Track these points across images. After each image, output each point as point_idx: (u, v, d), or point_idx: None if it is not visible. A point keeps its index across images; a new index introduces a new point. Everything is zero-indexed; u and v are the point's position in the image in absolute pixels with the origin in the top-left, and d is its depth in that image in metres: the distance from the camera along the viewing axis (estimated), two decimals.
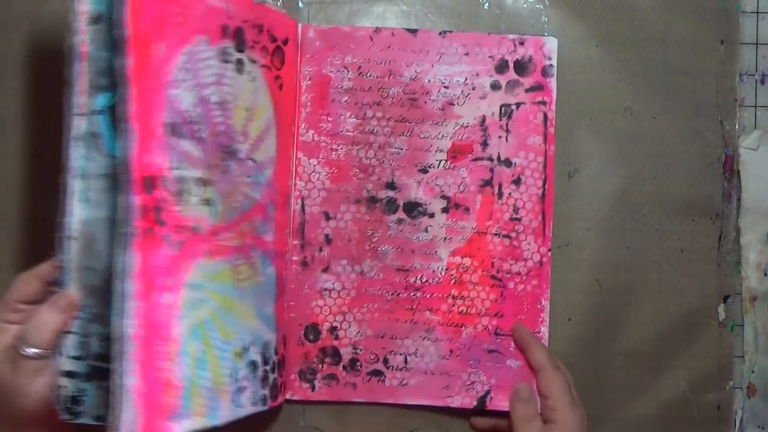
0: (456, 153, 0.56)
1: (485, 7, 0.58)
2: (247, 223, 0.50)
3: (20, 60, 0.56)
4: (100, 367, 0.45)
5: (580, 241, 0.58)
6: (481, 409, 0.55)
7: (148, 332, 0.43)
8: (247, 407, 0.50)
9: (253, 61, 0.51)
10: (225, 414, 0.47)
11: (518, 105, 0.56)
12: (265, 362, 0.52)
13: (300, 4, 0.57)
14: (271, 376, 0.52)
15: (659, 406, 0.58)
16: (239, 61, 0.50)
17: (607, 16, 0.58)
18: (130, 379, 0.42)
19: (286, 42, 0.54)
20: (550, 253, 0.56)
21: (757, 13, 0.59)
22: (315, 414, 0.57)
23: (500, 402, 0.55)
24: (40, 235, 0.55)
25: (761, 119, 0.59)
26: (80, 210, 0.45)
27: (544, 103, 0.56)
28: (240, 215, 0.50)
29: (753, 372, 0.58)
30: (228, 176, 0.49)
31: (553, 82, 0.56)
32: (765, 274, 0.58)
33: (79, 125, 0.45)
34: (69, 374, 0.45)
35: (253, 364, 0.50)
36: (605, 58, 0.58)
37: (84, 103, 0.45)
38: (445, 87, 0.56)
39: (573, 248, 0.58)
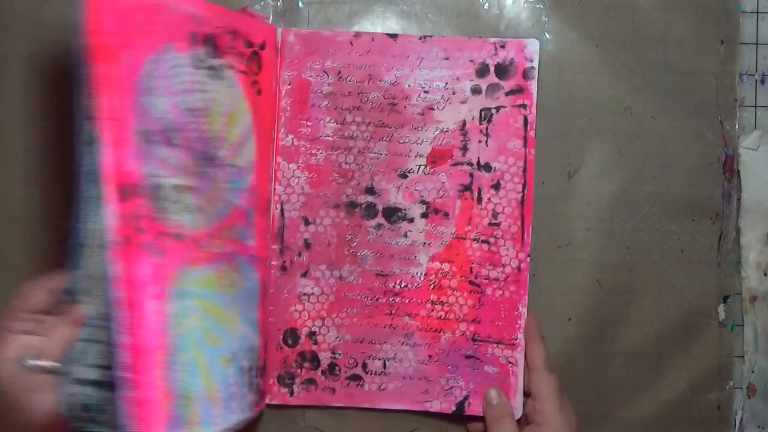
0: (436, 158, 0.56)
1: (485, 7, 0.58)
2: (228, 229, 0.51)
3: (26, 59, 0.56)
4: (110, 376, 0.45)
5: (580, 241, 0.58)
6: (459, 414, 0.56)
7: (141, 341, 0.43)
8: (238, 414, 0.50)
9: (230, 67, 0.51)
10: (219, 421, 0.48)
11: (498, 109, 0.56)
12: (252, 368, 0.52)
13: (300, 4, 0.57)
14: (257, 381, 0.53)
15: (659, 406, 0.58)
16: (214, 67, 0.49)
17: (607, 16, 0.58)
18: (127, 389, 0.42)
19: (263, 47, 0.54)
20: (528, 259, 0.56)
21: (757, 13, 0.59)
22: (315, 414, 0.57)
23: (478, 407, 0.55)
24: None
25: (761, 119, 0.59)
26: (98, 215, 0.44)
27: (524, 106, 0.56)
28: (220, 221, 0.50)
29: (753, 372, 0.58)
30: (207, 182, 0.49)
31: (533, 85, 0.56)
32: (765, 274, 0.58)
33: (90, 129, 0.44)
34: (80, 382, 0.45)
35: (241, 371, 0.51)
36: (605, 58, 0.58)
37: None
38: (425, 92, 0.56)
39: (573, 248, 0.58)
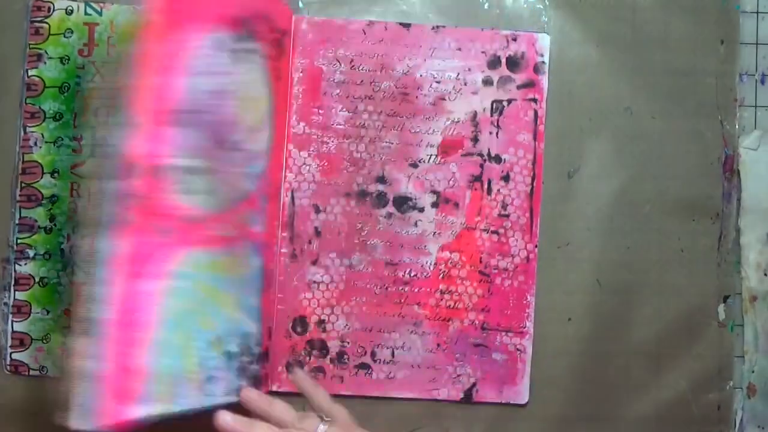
0: (446, 148, 0.56)
1: (485, 7, 0.58)
2: (240, 214, 0.51)
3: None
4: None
5: (580, 241, 0.58)
6: (467, 402, 0.56)
7: (123, 318, 0.42)
8: (219, 397, 0.49)
9: (258, 51, 0.51)
10: (191, 401, 0.47)
11: (509, 101, 0.57)
12: (244, 353, 0.52)
13: (300, 4, 0.57)
14: (251, 368, 0.53)
15: (659, 406, 0.58)
16: (247, 50, 0.50)
17: (607, 16, 0.58)
18: (98, 363, 0.42)
19: (285, 33, 0.55)
20: (536, 250, 0.56)
21: (757, 13, 0.59)
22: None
23: (486, 394, 0.56)
24: None
25: (761, 119, 0.59)
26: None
27: (535, 100, 0.57)
28: (234, 205, 0.50)
29: (753, 372, 0.58)
30: (227, 166, 0.49)
31: (544, 80, 0.57)
32: (765, 274, 0.58)
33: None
34: None
35: (228, 355, 0.50)
36: (605, 58, 0.58)
37: None
38: (437, 82, 0.56)
39: (573, 248, 0.58)
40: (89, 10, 0.56)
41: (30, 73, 0.56)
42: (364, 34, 0.56)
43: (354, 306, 0.56)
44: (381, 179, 0.56)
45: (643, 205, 0.58)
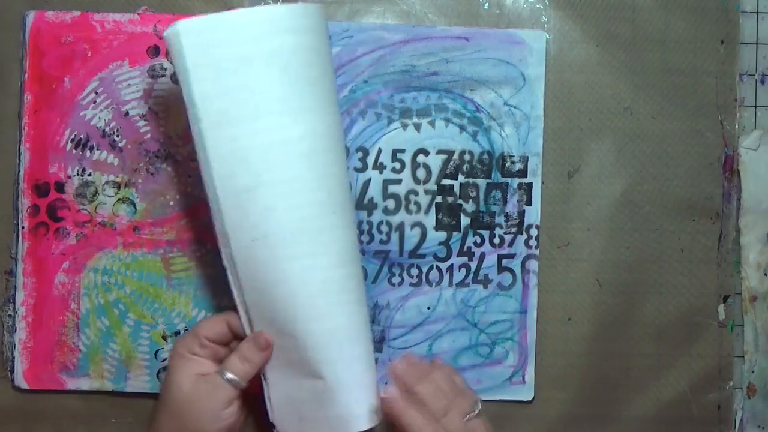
0: None
1: (485, 7, 0.58)
2: (190, 219, 0.55)
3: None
4: None
5: (580, 241, 0.58)
6: None
7: (40, 302, 0.55)
8: None
9: None
10: (141, 385, 0.55)
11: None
12: None
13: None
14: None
15: (659, 406, 0.58)
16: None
17: (607, 16, 0.58)
18: (21, 335, 0.55)
19: None
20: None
21: (757, 13, 0.59)
22: None
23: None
24: None
25: (761, 119, 0.59)
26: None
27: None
28: (178, 212, 0.55)
29: (753, 372, 0.58)
30: (157, 177, 0.55)
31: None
32: (765, 274, 0.58)
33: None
34: None
35: None
36: (605, 58, 0.58)
37: None
38: None
39: (573, 248, 0.58)
40: None
41: None
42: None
43: None
44: None
45: (643, 205, 0.58)
